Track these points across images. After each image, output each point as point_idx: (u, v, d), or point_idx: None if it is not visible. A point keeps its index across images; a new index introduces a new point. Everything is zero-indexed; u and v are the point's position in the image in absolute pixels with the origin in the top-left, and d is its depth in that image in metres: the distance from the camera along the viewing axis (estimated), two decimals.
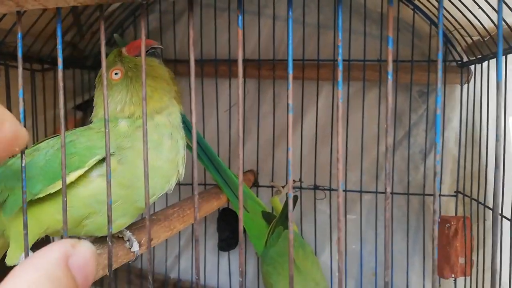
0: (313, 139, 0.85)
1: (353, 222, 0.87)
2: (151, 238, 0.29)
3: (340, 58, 0.23)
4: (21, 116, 0.26)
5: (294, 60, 0.84)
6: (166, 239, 0.94)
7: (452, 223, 0.74)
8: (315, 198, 0.86)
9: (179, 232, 0.93)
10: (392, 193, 0.83)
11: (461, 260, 0.73)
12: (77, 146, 0.35)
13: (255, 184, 0.89)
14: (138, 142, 0.36)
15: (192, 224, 0.94)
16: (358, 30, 0.83)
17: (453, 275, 0.73)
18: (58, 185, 0.33)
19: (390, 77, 0.23)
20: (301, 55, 0.84)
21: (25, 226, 0.24)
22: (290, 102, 0.24)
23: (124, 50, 0.40)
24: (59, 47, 0.27)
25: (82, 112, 0.89)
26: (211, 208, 0.73)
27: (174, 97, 0.41)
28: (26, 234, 0.24)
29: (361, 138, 0.82)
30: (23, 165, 0.25)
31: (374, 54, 0.82)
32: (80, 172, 0.34)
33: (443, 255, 0.74)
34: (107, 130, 0.25)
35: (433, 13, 0.74)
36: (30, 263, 0.19)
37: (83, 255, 0.21)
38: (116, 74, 0.39)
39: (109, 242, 0.25)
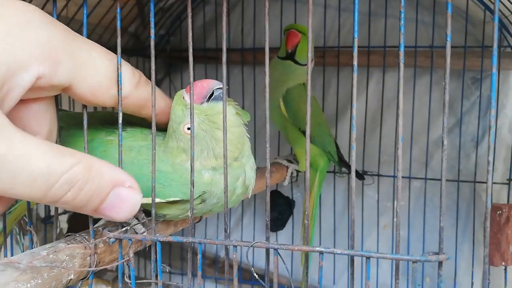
0: (362, 125, 0.86)
1: (401, 209, 0.88)
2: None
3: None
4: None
5: (344, 47, 0.86)
6: (218, 218, 0.99)
7: (504, 210, 0.73)
8: (363, 184, 0.88)
9: (230, 211, 0.98)
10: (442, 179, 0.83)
11: None
12: (171, 181, 0.38)
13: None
14: (218, 188, 0.39)
15: (242, 204, 0.99)
16: (410, 17, 0.84)
17: (503, 263, 0.73)
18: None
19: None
20: (350, 42, 0.85)
21: None
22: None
23: (185, 98, 0.37)
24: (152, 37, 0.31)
25: None
26: (261, 187, 0.76)
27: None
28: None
29: (411, 125, 0.83)
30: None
31: (425, 41, 0.82)
32: (158, 200, 0.37)
33: (493, 242, 0.74)
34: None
35: None
36: None
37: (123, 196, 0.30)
38: (189, 129, 0.36)
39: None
